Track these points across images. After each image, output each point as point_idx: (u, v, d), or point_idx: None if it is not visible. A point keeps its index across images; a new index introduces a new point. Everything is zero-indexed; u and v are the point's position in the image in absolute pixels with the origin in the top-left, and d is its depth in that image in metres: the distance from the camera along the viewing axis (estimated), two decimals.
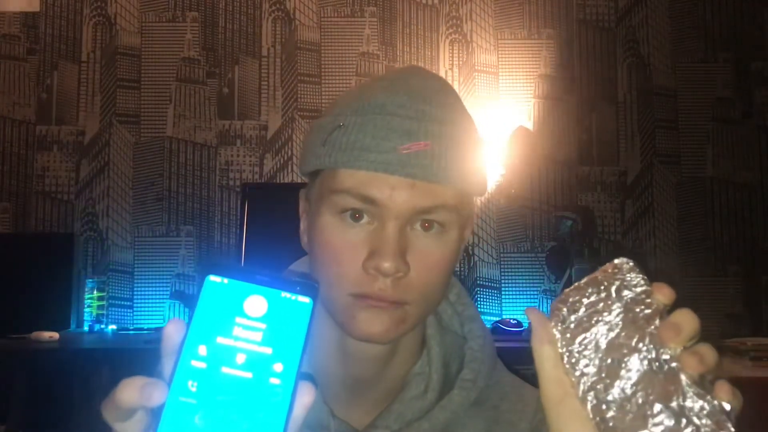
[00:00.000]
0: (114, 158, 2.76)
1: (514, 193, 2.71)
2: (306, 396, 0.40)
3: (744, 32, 2.86)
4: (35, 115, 2.78)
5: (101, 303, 2.59)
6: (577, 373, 0.46)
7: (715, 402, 0.43)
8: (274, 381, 0.39)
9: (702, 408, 0.42)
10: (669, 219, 2.79)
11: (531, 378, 0.81)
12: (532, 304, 2.69)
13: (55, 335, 2.26)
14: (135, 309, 2.68)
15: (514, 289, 2.72)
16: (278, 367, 0.39)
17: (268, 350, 0.40)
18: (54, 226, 2.72)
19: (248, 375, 0.39)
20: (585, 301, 0.48)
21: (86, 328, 2.53)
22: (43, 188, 2.75)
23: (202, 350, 0.39)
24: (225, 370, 0.39)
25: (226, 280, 0.41)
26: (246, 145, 2.78)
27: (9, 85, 2.79)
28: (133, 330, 2.58)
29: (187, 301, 2.50)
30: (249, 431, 0.38)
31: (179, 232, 2.73)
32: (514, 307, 2.70)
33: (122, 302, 2.68)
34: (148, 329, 2.57)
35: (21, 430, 2.20)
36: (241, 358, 0.39)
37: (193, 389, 0.38)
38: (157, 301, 2.68)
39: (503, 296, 2.71)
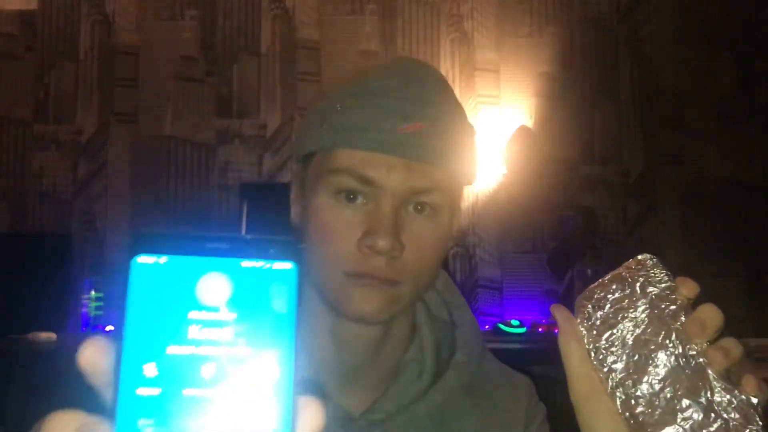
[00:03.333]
0: (112, 157, 2.74)
1: (515, 192, 2.69)
2: (313, 419, 0.29)
3: (748, 30, 2.84)
4: (33, 113, 2.77)
5: (99, 303, 2.57)
6: (605, 369, 0.47)
7: (743, 396, 0.43)
8: (266, 394, 0.28)
9: (730, 402, 0.43)
10: (672, 219, 2.76)
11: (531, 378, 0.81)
12: (533, 305, 2.67)
13: (53, 336, 2.25)
14: None
15: (515, 289, 2.70)
16: (265, 374, 0.28)
17: (246, 351, 0.28)
18: (51, 226, 2.71)
19: (224, 394, 0.28)
20: (610, 297, 0.49)
21: (84, 329, 2.51)
22: (40, 188, 2.73)
23: (149, 370, 0.27)
24: (188, 392, 0.27)
25: (162, 259, 0.28)
26: (245, 144, 2.76)
27: (6, 84, 2.78)
28: None
29: None
30: None
31: None
32: (515, 308, 2.68)
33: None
34: None
35: (19, 431, 2.18)
36: (208, 371, 0.28)
37: (149, 429, 0.27)
38: None
39: (504, 297, 2.69)
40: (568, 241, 2.49)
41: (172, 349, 0.28)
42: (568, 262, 2.42)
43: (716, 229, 2.75)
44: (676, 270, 0.49)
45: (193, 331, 0.28)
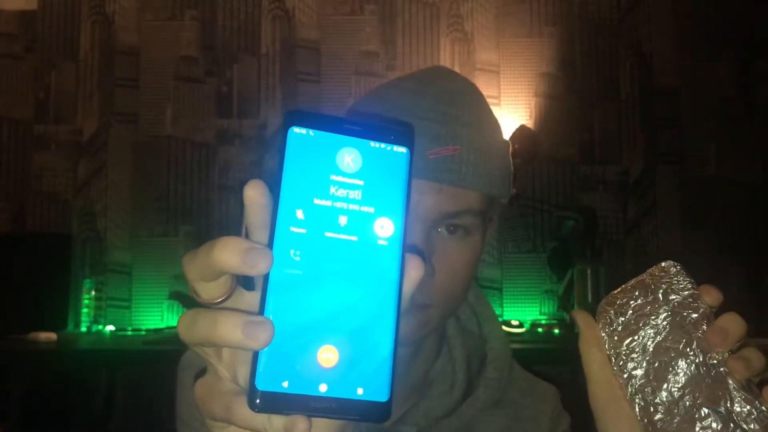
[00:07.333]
0: (112, 157, 2.74)
1: (515, 192, 2.69)
2: (414, 270, 0.36)
3: (748, 30, 2.84)
4: (33, 113, 2.76)
5: (99, 303, 2.57)
6: (625, 376, 0.47)
7: (763, 407, 0.43)
8: (382, 243, 0.35)
9: (750, 412, 0.43)
10: (672, 219, 2.76)
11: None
12: (534, 305, 2.67)
13: (53, 336, 2.25)
14: (133, 309, 2.66)
15: (515, 289, 2.70)
16: (383, 227, 0.36)
17: (371, 209, 0.36)
18: (52, 226, 2.70)
19: (353, 238, 0.35)
20: (632, 303, 0.49)
21: (84, 329, 2.51)
22: (40, 188, 2.73)
23: (300, 214, 0.35)
24: (328, 234, 0.35)
25: (311, 132, 0.36)
26: (245, 144, 2.75)
27: (6, 84, 2.77)
28: (131, 331, 2.56)
29: (186, 301, 2.48)
30: (362, 300, 0.35)
31: (178, 233, 2.71)
32: (515, 308, 2.68)
33: (120, 303, 2.66)
34: (146, 330, 2.55)
35: (19, 431, 2.18)
36: (343, 220, 0.35)
37: (297, 258, 0.34)
38: (156, 301, 2.66)
39: (504, 297, 2.69)
40: (568, 241, 2.48)
41: (316, 201, 0.35)
42: (568, 262, 2.42)
43: (716, 229, 2.75)
44: (701, 278, 0.49)
45: (332, 189, 0.35)
